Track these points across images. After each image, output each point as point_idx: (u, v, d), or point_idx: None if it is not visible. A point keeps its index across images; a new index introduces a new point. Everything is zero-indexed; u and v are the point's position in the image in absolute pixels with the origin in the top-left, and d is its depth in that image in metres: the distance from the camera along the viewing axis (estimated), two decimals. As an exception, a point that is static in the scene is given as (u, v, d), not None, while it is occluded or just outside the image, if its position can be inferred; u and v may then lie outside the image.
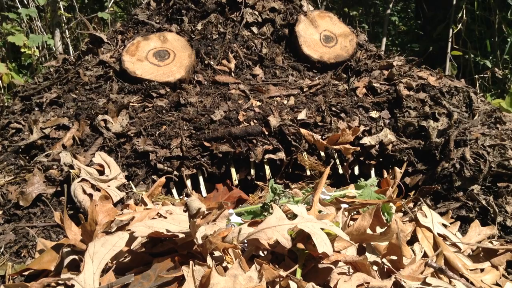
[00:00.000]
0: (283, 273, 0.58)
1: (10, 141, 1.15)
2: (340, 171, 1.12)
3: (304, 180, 1.13)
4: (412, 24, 4.59)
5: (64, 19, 3.05)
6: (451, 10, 2.95)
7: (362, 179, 1.00)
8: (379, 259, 0.67)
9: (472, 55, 3.00)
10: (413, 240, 0.78)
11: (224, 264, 0.63)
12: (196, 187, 1.09)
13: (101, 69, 1.35)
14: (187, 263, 0.61)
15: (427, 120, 1.14)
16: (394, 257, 0.66)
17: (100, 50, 1.43)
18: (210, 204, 0.93)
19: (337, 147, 1.10)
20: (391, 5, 3.39)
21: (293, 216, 0.70)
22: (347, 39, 1.48)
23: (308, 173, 1.12)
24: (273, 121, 1.11)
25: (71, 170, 0.94)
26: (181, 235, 0.68)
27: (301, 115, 1.14)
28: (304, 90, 1.29)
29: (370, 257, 0.67)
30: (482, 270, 0.72)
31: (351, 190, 0.96)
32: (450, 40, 2.91)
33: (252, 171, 1.10)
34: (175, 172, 1.07)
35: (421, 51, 3.42)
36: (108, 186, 0.94)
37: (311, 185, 1.09)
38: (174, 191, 1.08)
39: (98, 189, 0.91)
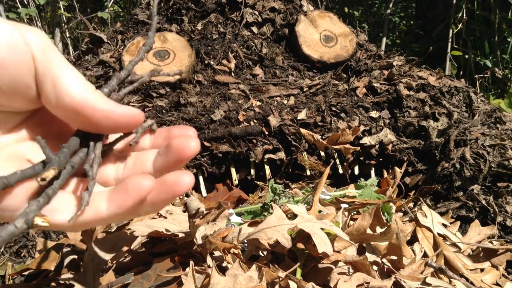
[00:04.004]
0: (282, 273, 0.58)
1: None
2: (340, 171, 1.12)
3: (304, 180, 1.13)
4: (412, 24, 4.59)
5: (64, 19, 3.05)
6: (451, 10, 2.95)
7: (362, 179, 1.00)
8: (379, 259, 0.67)
9: (472, 55, 3.00)
10: (413, 240, 0.78)
11: (224, 264, 0.63)
12: (196, 187, 1.09)
13: (101, 69, 1.35)
14: (187, 263, 0.61)
15: (427, 120, 1.14)
16: (394, 257, 0.66)
17: (100, 50, 1.43)
18: (210, 204, 0.94)
19: (337, 147, 1.10)
20: (391, 5, 3.39)
21: (293, 216, 0.70)
22: (347, 39, 1.48)
23: (308, 173, 1.12)
24: (273, 121, 1.11)
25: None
26: (181, 235, 0.68)
27: (301, 115, 1.14)
28: (304, 90, 1.29)
29: (370, 257, 0.67)
30: (482, 270, 0.72)
31: (351, 190, 0.96)
32: (450, 40, 2.92)
33: (252, 171, 1.10)
34: (175, 172, 1.06)
35: (421, 51, 3.42)
36: (108, 186, 0.94)
37: (311, 185, 1.09)
38: (174, 191, 1.08)
39: (98, 189, 0.91)
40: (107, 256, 0.63)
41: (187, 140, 0.35)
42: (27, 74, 0.31)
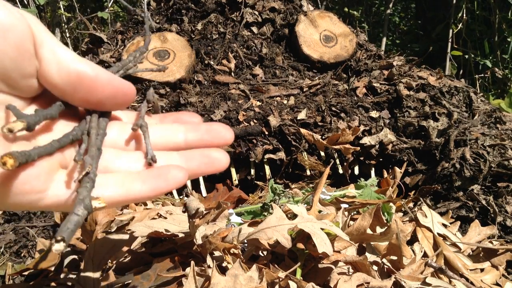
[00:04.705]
0: (282, 274, 0.58)
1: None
2: (340, 171, 1.12)
3: (304, 180, 1.13)
4: (412, 24, 4.59)
5: (64, 19, 3.05)
6: (451, 10, 2.95)
7: (362, 179, 1.00)
8: (379, 259, 0.67)
9: (472, 55, 3.00)
10: (413, 240, 0.78)
11: (224, 264, 0.63)
12: (196, 187, 1.09)
13: (101, 69, 1.35)
14: (187, 263, 0.61)
15: (427, 120, 1.14)
16: (394, 257, 0.66)
17: (100, 50, 1.43)
18: (210, 204, 0.94)
19: (337, 147, 1.10)
20: (391, 5, 3.39)
21: (293, 216, 0.70)
22: (347, 39, 1.48)
23: (308, 173, 1.12)
24: (273, 121, 1.11)
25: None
26: (181, 235, 0.68)
27: (301, 115, 1.14)
28: (304, 90, 1.29)
29: (370, 257, 0.67)
30: (482, 270, 0.72)
31: (351, 190, 0.96)
32: (450, 40, 2.92)
33: (252, 171, 1.10)
34: (175, 172, 1.06)
35: (421, 51, 3.42)
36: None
37: (311, 185, 1.09)
38: (174, 191, 1.08)
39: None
40: (107, 256, 0.63)
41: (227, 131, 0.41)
42: (28, 40, 0.31)
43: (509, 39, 2.88)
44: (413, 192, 1.04)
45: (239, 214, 0.89)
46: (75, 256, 0.68)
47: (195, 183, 1.09)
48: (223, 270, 0.59)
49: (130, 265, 0.66)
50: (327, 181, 1.13)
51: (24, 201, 0.31)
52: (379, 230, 0.70)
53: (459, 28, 2.85)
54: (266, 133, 1.11)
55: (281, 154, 1.10)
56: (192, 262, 0.58)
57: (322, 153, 1.12)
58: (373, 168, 1.15)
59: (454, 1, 2.94)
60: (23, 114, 0.32)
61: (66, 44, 2.93)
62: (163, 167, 0.36)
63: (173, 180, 0.35)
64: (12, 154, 0.28)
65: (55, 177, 0.33)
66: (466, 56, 3.00)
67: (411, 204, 0.98)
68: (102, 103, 0.36)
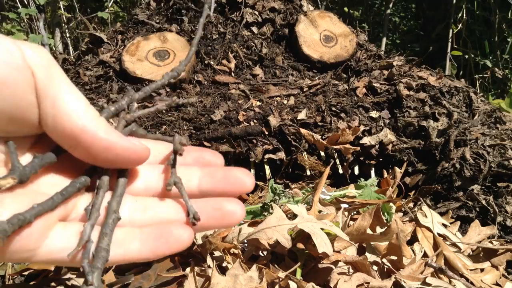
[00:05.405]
0: (282, 274, 0.58)
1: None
2: (340, 171, 1.12)
3: (304, 180, 1.13)
4: (412, 24, 4.59)
5: (64, 19, 3.05)
6: (451, 10, 2.95)
7: (362, 179, 1.00)
8: (379, 259, 0.67)
9: (472, 55, 3.00)
10: (413, 240, 0.78)
11: (224, 264, 0.63)
12: (196, 187, 1.09)
13: (101, 69, 1.35)
14: (187, 263, 0.61)
15: (427, 120, 1.14)
16: (394, 257, 0.66)
17: (100, 50, 1.43)
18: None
19: (337, 147, 1.10)
20: (391, 5, 3.39)
21: (293, 216, 0.70)
22: (347, 39, 1.48)
23: (308, 173, 1.12)
24: (273, 121, 1.11)
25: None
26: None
27: (301, 115, 1.14)
28: (304, 90, 1.29)
29: (370, 257, 0.67)
30: (482, 270, 0.72)
31: (351, 190, 0.96)
32: (450, 40, 2.92)
33: (252, 171, 1.10)
34: (175, 172, 1.06)
35: (421, 51, 3.42)
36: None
37: (311, 185, 1.09)
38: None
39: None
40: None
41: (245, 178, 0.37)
42: (28, 92, 0.28)
43: (509, 39, 2.88)
44: (413, 192, 1.04)
45: (239, 214, 0.89)
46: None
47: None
48: (223, 270, 0.59)
49: (130, 265, 0.66)
50: (327, 181, 1.13)
51: (15, 258, 0.29)
52: (379, 230, 0.70)
53: (459, 28, 2.85)
54: (266, 133, 1.11)
55: (281, 154, 1.10)
56: (192, 262, 0.58)
57: (322, 153, 1.12)
58: (373, 168, 1.15)
59: (454, 1, 2.94)
60: (16, 167, 0.28)
61: (66, 44, 2.93)
62: (167, 226, 0.33)
63: (176, 243, 0.32)
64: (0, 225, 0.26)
65: (50, 233, 0.30)
66: (466, 56, 3.00)
67: (411, 204, 0.98)
68: (99, 163, 0.32)
